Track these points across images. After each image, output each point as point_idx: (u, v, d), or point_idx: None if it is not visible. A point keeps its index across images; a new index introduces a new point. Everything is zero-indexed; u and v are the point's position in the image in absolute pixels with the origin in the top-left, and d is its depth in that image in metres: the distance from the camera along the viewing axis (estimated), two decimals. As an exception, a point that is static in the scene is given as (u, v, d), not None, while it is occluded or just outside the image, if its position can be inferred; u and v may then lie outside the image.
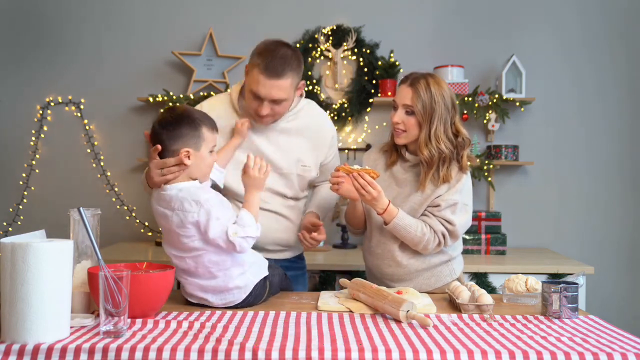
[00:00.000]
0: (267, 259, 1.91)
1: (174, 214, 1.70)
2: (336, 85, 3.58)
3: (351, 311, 1.73)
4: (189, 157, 1.75)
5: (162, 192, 1.75)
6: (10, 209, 3.65)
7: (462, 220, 2.02)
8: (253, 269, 1.80)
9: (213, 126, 1.83)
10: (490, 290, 2.85)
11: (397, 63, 3.49)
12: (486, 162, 3.36)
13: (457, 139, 2.02)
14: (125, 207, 3.63)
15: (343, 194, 2.00)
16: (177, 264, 1.77)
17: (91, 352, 1.33)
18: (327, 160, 2.23)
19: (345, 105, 3.51)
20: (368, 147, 3.44)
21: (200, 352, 1.33)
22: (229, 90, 2.20)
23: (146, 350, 1.33)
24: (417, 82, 2.00)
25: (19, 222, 3.64)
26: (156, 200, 1.77)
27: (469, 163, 2.05)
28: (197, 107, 2.11)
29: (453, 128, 2.02)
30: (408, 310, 1.59)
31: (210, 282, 1.74)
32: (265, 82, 1.93)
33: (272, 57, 1.93)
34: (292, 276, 2.14)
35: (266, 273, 1.83)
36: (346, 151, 3.52)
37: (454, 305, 1.81)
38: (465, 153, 2.03)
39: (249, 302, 1.78)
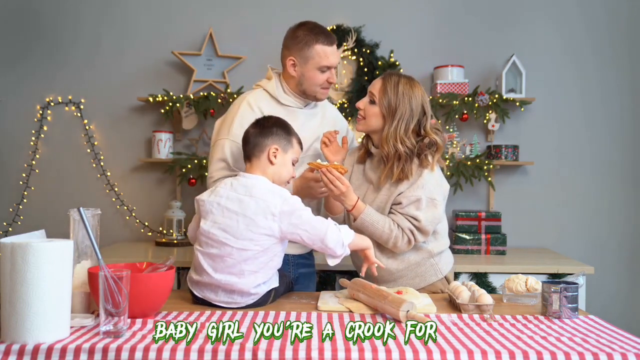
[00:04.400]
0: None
1: (253, 200, 1.72)
2: (336, 86, 3.57)
3: (351, 311, 1.73)
4: (275, 155, 1.82)
5: (241, 178, 1.79)
6: (10, 209, 3.65)
7: (429, 215, 1.99)
8: (272, 280, 1.82)
9: (301, 142, 1.93)
10: (490, 290, 2.85)
11: (397, 63, 3.49)
12: (486, 162, 3.36)
13: (423, 141, 2.01)
14: (125, 207, 3.63)
15: None
16: (214, 253, 1.75)
17: (91, 352, 1.34)
18: (344, 132, 2.31)
19: (345, 105, 3.51)
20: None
21: (200, 352, 1.33)
22: (258, 89, 2.20)
23: (146, 350, 1.33)
24: (389, 77, 2.04)
25: (19, 222, 3.64)
26: (231, 188, 1.77)
27: (439, 165, 2.05)
28: (238, 100, 2.16)
29: (422, 132, 2.02)
30: (408, 310, 1.59)
31: (232, 279, 1.73)
32: (333, 51, 2.14)
33: (321, 29, 2.13)
34: (304, 274, 2.18)
35: (276, 284, 1.84)
36: (346, 151, 3.51)
37: (454, 305, 1.81)
38: (429, 153, 2.01)
39: (251, 306, 1.79)
